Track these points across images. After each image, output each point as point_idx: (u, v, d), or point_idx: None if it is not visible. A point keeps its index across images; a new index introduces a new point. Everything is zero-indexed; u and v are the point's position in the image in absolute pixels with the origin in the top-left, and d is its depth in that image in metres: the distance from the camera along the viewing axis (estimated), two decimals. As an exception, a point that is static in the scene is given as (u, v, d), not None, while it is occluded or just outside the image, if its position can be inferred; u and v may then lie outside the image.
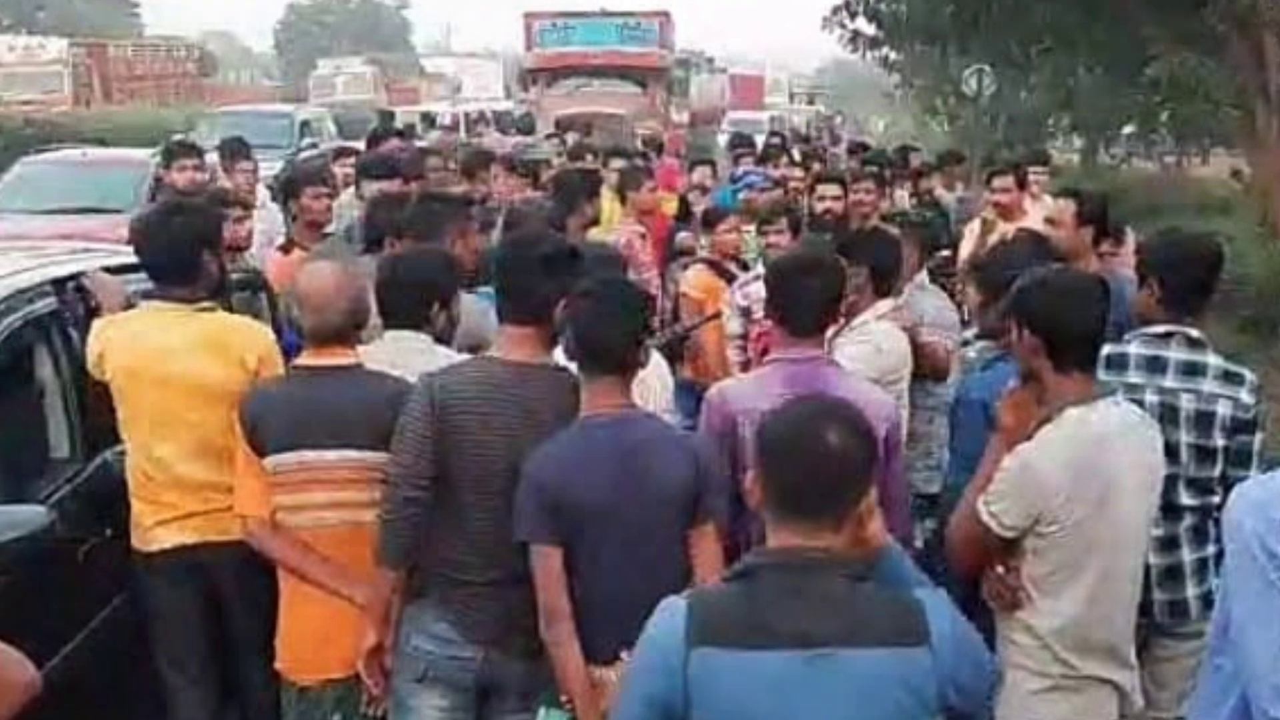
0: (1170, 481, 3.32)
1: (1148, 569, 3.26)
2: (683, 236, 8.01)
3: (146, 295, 3.88)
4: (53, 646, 3.46)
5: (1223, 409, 3.51)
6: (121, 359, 3.71)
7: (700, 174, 9.89)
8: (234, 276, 4.70)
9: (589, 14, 25.87)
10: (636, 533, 3.01)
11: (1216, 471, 3.53)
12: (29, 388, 3.89)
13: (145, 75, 36.85)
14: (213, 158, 8.10)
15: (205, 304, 3.80)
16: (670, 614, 2.23)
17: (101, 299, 4.01)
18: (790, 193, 8.55)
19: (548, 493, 2.98)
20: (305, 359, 3.52)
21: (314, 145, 19.16)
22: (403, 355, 3.57)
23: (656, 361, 3.69)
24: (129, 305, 3.96)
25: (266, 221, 6.94)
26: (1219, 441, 3.51)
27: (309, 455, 3.39)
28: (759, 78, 45.86)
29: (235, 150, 7.95)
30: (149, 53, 39.16)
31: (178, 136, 12.50)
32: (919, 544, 4.05)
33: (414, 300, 3.69)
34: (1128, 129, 25.90)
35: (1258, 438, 3.56)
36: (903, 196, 9.56)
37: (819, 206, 6.94)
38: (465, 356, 3.53)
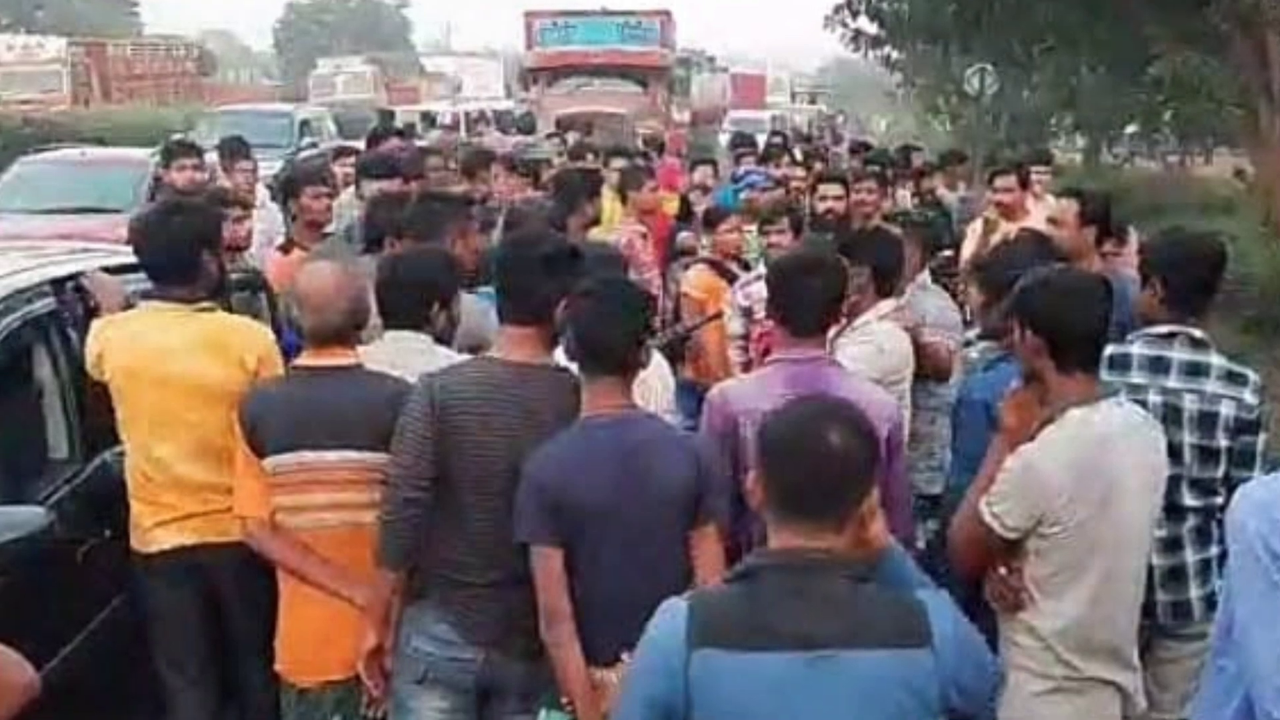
0: (1173, 482, 3.31)
1: (1151, 570, 3.24)
2: (684, 236, 8.01)
3: (145, 295, 3.87)
4: (52, 648, 3.46)
5: (1226, 409, 3.50)
6: (121, 359, 3.70)
7: (701, 173, 9.89)
8: (233, 276, 4.69)
9: (590, 13, 25.87)
10: (637, 534, 3.00)
11: (1220, 472, 3.52)
12: (28, 388, 3.88)
13: (144, 74, 36.87)
14: (212, 157, 8.09)
15: (205, 304, 3.79)
16: (671, 615, 2.22)
17: (100, 299, 4.00)
18: (792, 192, 8.56)
19: (548, 493, 2.98)
20: (305, 359, 3.51)
21: (314, 145, 19.15)
22: (403, 355, 3.56)
23: (658, 362, 3.68)
24: (128, 305, 3.95)
25: (266, 221, 6.93)
26: (1222, 442, 3.50)
27: (309, 456, 3.38)
28: (760, 77, 45.90)
29: (235, 150, 7.94)
30: (148, 52, 39.19)
31: (177, 136, 12.50)
32: (921, 545, 4.05)
33: (414, 300, 3.68)
34: (1131, 128, 25.85)
35: (1261, 438, 3.55)
36: (905, 196, 9.57)
37: (821, 206, 6.94)
38: (465, 357, 3.52)
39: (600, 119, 19.08)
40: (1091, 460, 2.95)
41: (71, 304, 4.02)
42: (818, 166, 10.20)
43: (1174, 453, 3.32)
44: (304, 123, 20.86)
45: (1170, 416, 3.46)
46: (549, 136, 15.30)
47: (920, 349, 4.53)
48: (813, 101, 47.09)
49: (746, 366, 5.13)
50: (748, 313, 5.39)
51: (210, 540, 3.67)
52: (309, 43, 58.94)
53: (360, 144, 10.95)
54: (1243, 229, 12.36)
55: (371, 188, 6.00)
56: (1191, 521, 3.54)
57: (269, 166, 10.54)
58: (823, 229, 6.06)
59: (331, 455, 3.38)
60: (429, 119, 20.60)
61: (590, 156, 10.20)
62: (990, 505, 3.01)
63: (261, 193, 7.89)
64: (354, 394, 3.40)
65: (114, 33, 44.04)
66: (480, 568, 3.19)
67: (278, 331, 4.17)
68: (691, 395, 4.88)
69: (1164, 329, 3.63)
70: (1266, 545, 2.07)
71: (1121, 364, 3.57)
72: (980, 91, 21.94)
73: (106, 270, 4.20)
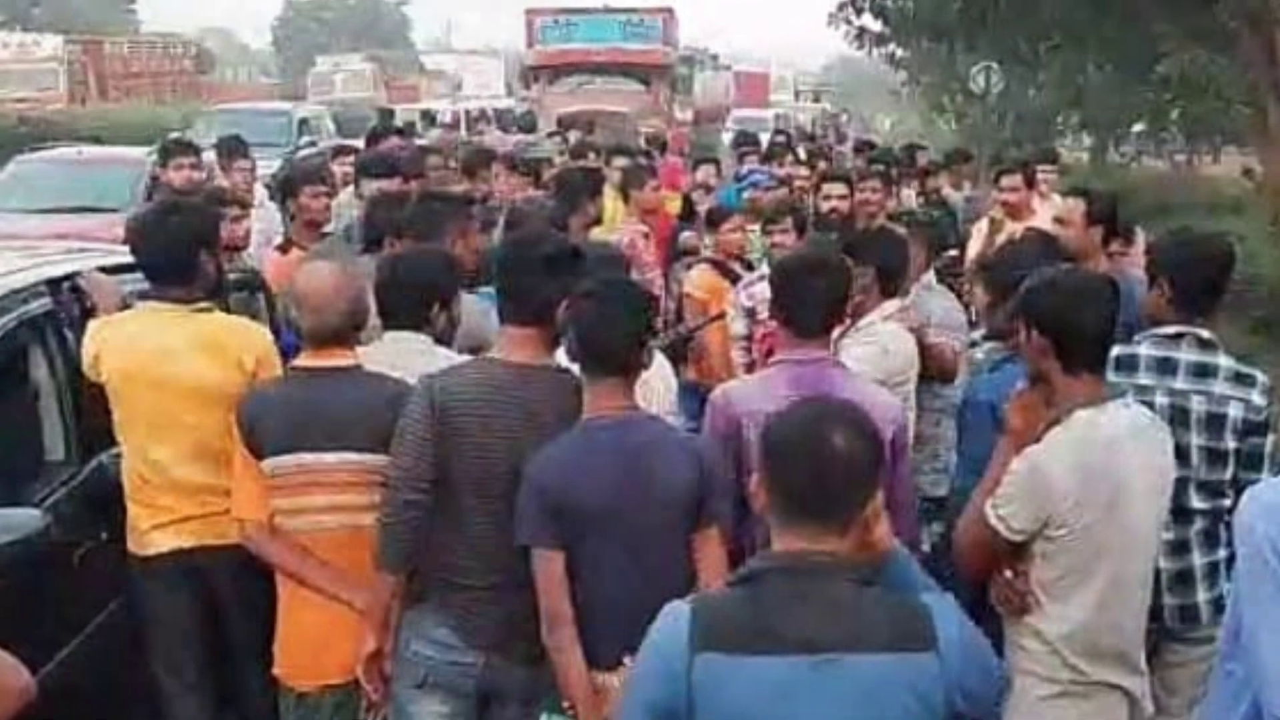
0: (1181, 484, 3.30)
1: (1158, 573, 3.24)
2: (686, 236, 8.00)
3: (143, 296, 3.86)
4: (47, 652, 3.44)
5: (1234, 411, 3.49)
6: (117, 360, 3.68)
7: (704, 173, 9.86)
8: (231, 277, 4.69)
9: (592, 10, 25.88)
10: (639, 536, 2.99)
11: (1228, 474, 3.51)
12: (23, 389, 3.87)
13: (141, 72, 36.96)
14: (210, 156, 8.05)
15: (202, 304, 3.77)
16: (674, 619, 2.21)
17: (97, 299, 3.99)
18: (795, 192, 8.55)
19: (549, 496, 2.97)
20: (303, 360, 3.49)
21: (312, 143, 19.10)
22: (402, 356, 3.54)
23: (660, 363, 3.67)
24: (125, 306, 3.94)
25: (264, 221, 6.91)
26: (1230, 444, 3.49)
27: (307, 458, 3.36)
28: (764, 75, 45.99)
29: (233, 149, 7.92)
30: (145, 50, 39.28)
31: (174, 135, 12.48)
32: (926, 548, 4.05)
33: (414, 301, 3.67)
34: (1138, 127, 25.79)
35: (1269, 440, 3.54)
36: (909, 195, 9.56)
37: (824, 206, 6.94)
38: (466, 358, 3.51)
39: (602, 117, 19.10)
40: (1098, 462, 2.93)
41: (68, 304, 4.01)
42: (822, 165, 10.21)
43: (1181, 455, 3.30)
44: (303, 121, 20.82)
45: (1178, 418, 3.45)
46: (550, 135, 15.31)
47: (925, 350, 4.51)
48: (817, 100, 47.22)
49: (750, 368, 5.12)
50: (751, 313, 5.38)
51: (208, 543, 3.66)
52: (308, 40, 59.01)
53: (359, 143, 10.95)
54: (1251, 229, 12.31)
55: (371, 187, 5.99)
56: (1199, 524, 3.52)
57: (267, 165, 10.54)
58: (827, 229, 6.07)
59: (330, 457, 3.36)
60: (429, 117, 20.63)
61: (592, 155, 10.19)
62: (996, 508, 2.99)
63: (260, 192, 7.88)
64: (353, 395, 3.39)
65: (111, 30, 44.12)
66: (481, 571, 3.18)
67: (276, 332, 4.16)
68: (694, 397, 4.86)
69: (1171, 330, 3.62)
70: (1275, 548, 2.07)
71: (1128, 365, 3.56)
72: (986, 90, 21.93)
73: (103, 270, 4.18)
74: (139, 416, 3.68)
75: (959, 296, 5.62)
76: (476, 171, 8.10)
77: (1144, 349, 3.61)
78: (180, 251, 3.77)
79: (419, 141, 12.62)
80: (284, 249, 5.91)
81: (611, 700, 2.85)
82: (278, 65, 63.02)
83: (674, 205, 8.78)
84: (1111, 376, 3.26)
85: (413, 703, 3.25)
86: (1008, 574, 3.04)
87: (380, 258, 4.25)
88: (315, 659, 3.40)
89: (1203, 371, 3.54)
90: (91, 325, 3.82)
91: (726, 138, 23.15)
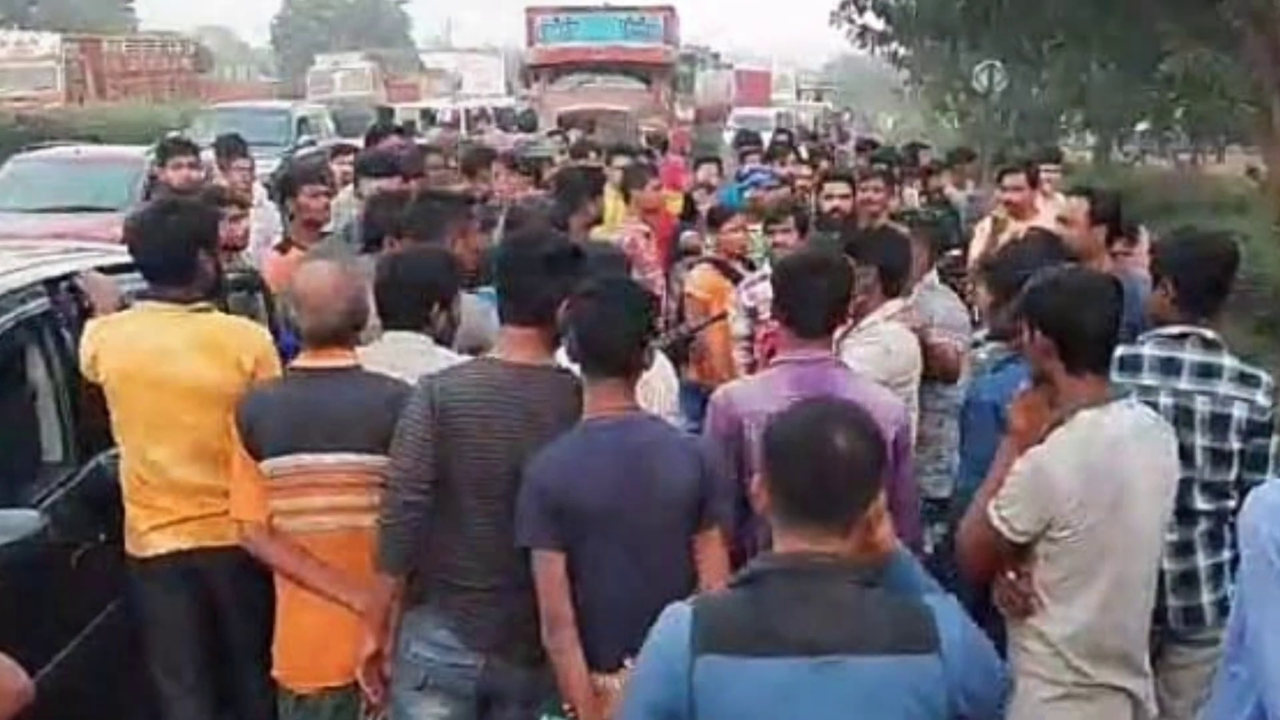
0: (1185, 486, 3.28)
1: (1162, 575, 3.23)
2: (688, 236, 7.99)
3: (141, 295, 3.85)
4: (45, 654, 3.43)
5: (1238, 411, 3.48)
6: (115, 360, 3.67)
7: (705, 172, 9.85)
8: (230, 276, 4.68)
9: (592, 9, 25.85)
10: (640, 537, 2.99)
11: (1232, 475, 3.49)
12: (21, 390, 3.86)
13: (140, 71, 36.95)
14: (208, 155, 8.04)
15: (201, 304, 3.76)
16: (675, 620, 2.21)
17: (95, 299, 3.98)
18: (797, 191, 8.55)
19: (550, 497, 2.96)
20: (303, 360, 3.48)
21: (312, 142, 19.10)
22: (402, 357, 3.53)
23: (661, 363, 3.67)
24: (123, 306, 3.93)
25: (263, 220, 6.90)
26: (1234, 445, 3.48)
27: (306, 459, 3.35)
28: (765, 74, 45.96)
29: (231, 148, 7.91)
30: (143, 48, 39.27)
31: (173, 134, 12.52)
32: (928, 549, 4.05)
33: (414, 301, 3.66)
34: (1141, 126, 25.81)
35: (1274, 441, 3.52)
36: (912, 195, 9.56)
37: (827, 205, 6.94)
38: (466, 358, 3.50)
39: (603, 116, 19.11)
40: (1102, 463, 2.92)
41: (66, 304, 4.00)
42: (824, 165, 10.21)
43: (1185, 455, 3.29)
44: (302, 120, 20.80)
45: (1182, 419, 3.44)
46: (551, 134, 15.34)
47: (928, 350, 4.50)
48: (818, 99, 47.18)
49: (751, 368, 5.11)
50: (753, 313, 5.38)
51: (207, 544, 3.65)
52: (307, 39, 59.04)
53: (359, 142, 10.96)
54: (1255, 228, 12.29)
55: (370, 186, 5.99)
56: (1203, 525, 3.51)
57: (266, 165, 10.52)
58: (829, 228, 6.07)
59: (329, 458, 3.35)
60: (429, 116, 20.62)
61: (593, 154, 10.20)
62: (999, 509, 2.98)
63: (259, 191, 7.88)
64: (352, 396, 3.38)
65: (109, 29, 44.14)
66: (481, 572, 3.17)
67: (275, 332, 4.15)
68: (695, 397, 4.85)
69: (1175, 330, 3.61)
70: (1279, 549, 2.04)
71: (1132, 365, 3.55)
72: (989, 88, 21.90)
73: (101, 270, 4.18)
74: (137, 417, 3.67)
75: (962, 296, 5.62)
76: (476, 171, 8.10)
77: (1148, 349, 3.60)
78: (179, 251, 3.75)
79: (419, 140, 12.61)
80: (283, 249, 5.90)
81: (612, 702, 2.85)
82: (277, 64, 63.06)
83: (675, 205, 8.78)
84: (1115, 377, 3.24)
85: (412, 705, 3.24)
86: (1010, 575, 3.03)
87: (380, 257, 4.24)
88: (314, 661, 3.39)
89: (1207, 372, 3.52)
90: (89, 325, 3.81)
91: (728, 137, 23.11)
